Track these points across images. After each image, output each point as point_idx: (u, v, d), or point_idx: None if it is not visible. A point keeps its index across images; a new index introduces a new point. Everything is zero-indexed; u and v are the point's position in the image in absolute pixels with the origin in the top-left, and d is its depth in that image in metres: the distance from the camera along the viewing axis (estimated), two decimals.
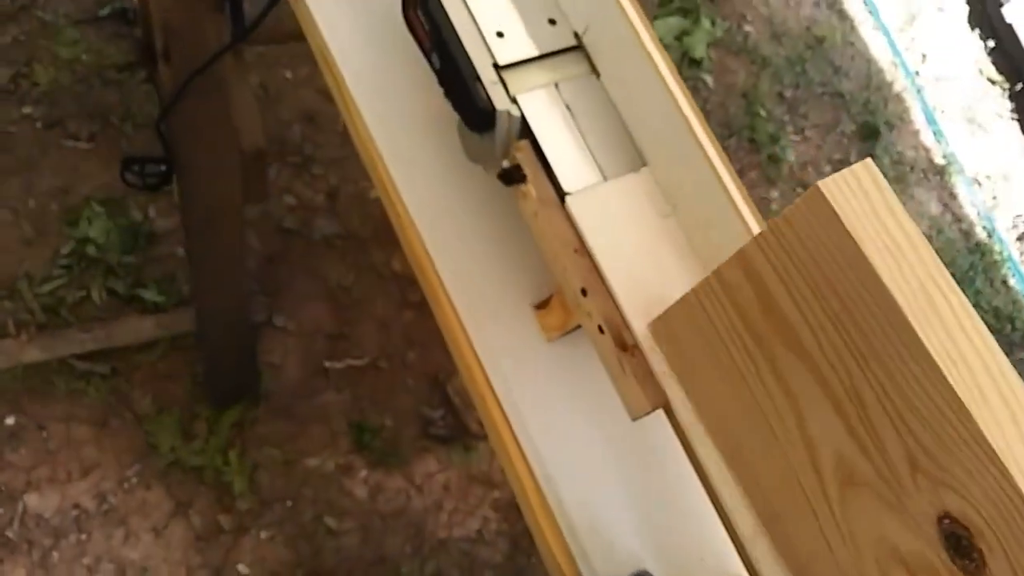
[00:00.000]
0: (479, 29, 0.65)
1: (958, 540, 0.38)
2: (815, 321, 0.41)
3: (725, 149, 2.08)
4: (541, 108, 0.65)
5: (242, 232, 1.25)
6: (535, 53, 0.66)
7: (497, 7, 0.66)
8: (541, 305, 0.74)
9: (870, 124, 2.30)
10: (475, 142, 0.68)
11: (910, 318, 0.37)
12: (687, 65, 2.16)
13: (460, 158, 0.73)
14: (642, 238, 0.63)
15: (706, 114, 2.14)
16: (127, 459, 1.39)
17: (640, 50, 0.64)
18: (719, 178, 0.61)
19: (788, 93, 2.27)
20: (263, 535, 1.43)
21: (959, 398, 0.36)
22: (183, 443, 1.42)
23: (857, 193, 0.39)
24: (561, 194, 0.63)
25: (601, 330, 0.60)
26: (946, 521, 0.38)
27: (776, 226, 0.42)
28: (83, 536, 1.33)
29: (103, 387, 1.41)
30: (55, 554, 1.31)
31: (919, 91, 2.39)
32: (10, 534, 1.30)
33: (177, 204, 1.26)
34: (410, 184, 0.76)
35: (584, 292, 0.61)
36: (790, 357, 0.43)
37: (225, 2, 1.01)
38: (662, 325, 0.57)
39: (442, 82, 0.68)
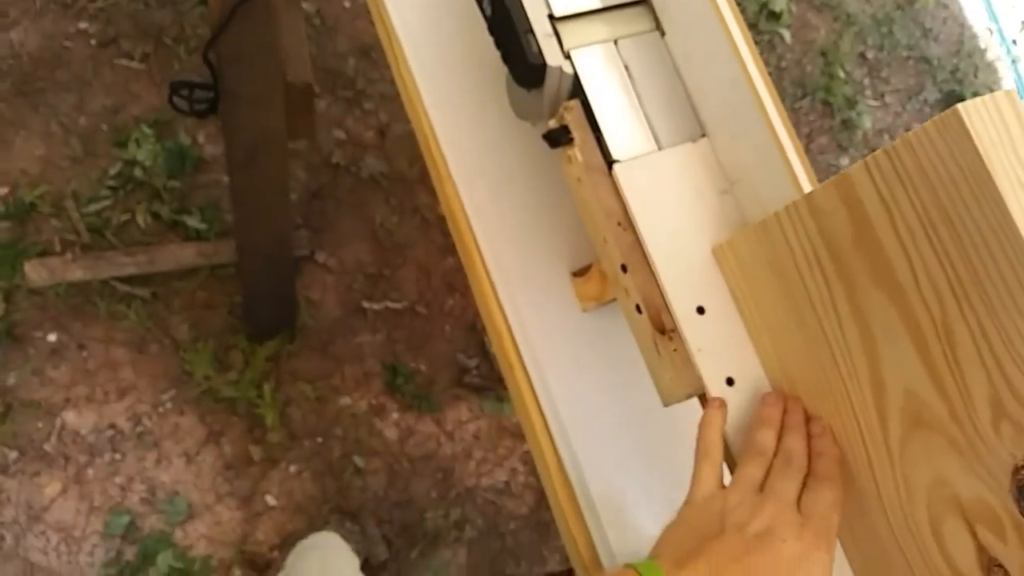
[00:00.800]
0: None
1: None
2: (916, 253, 0.39)
3: (797, 110, 1.98)
4: (596, 66, 0.60)
5: (285, 167, 1.22)
6: (596, 5, 0.61)
7: None
8: (579, 273, 0.71)
9: (956, 93, 2.16)
10: (523, 97, 0.64)
11: None
12: (765, 18, 2.05)
13: (507, 112, 0.69)
14: (694, 215, 0.58)
15: (780, 72, 2.03)
16: (163, 384, 1.40)
17: (711, 6, 0.58)
18: (785, 157, 0.55)
19: (871, 54, 2.14)
20: (292, 469, 1.44)
21: None
22: (218, 373, 1.42)
23: (996, 121, 0.36)
24: (609, 161, 0.58)
25: (639, 309, 0.56)
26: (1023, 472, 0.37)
27: (895, 150, 0.39)
28: (117, 456, 1.36)
29: (143, 311, 1.42)
30: (89, 471, 1.34)
31: (1014, 62, 2.24)
32: (47, 448, 1.33)
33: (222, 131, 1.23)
34: (452, 136, 0.72)
35: (624, 268, 0.57)
36: (875, 291, 0.42)
37: None
38: (730, 248, 0.54)
39: (492, 31, 0.63)
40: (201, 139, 1.56)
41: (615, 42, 0.61)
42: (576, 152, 0.59)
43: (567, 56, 0.59)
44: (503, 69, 0.64)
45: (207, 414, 1.41)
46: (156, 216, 1.47)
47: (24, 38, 1.55)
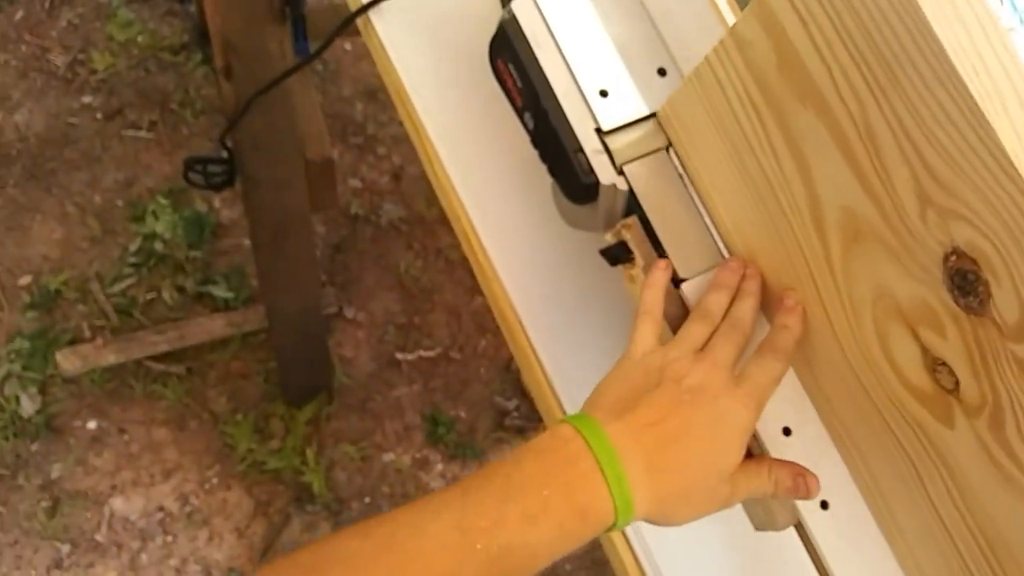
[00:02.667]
0: (580, 89, 0.57)
1: (964, 276, 0.37)
2: (834, 62, 0.39)
3: None
4: (651, 179, 0.57)
5: (311, 241, 1.20)
6: (644, 112, 0.58)
7: (600, 60, 0.58)
8: None
9: None
10: (573, 209, 0.61)
11: (935, 28, 0.34)
12: None
13: (552, 209, 0.66)
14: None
15: None
16: (207, 460, 1.40)
17: None
18: None
19: None
20: None
21: (977, 106, 0.33)
22: (260, 443, 1.41)
23: None
24: (677, 279, 0.56)
25: None
26: (953, 258, 0.37)
27: None
28: (169, 538, 1.35)
29: (179, 388, 1.41)
30: (143, 556, 1.33)
31: None
32: (99, 537, 1.33)
33: (244, 212, 1.22)
34: (496, 237, 0.70)
35: None
36: (803, 110, 0.43)
37: (286, 13, 0.94)
38: (671, 109, 0.55)
39: (536, 143, 0.61)
40: (217, 204, 1.55)
41: (667, 148, 0.58)
42: (639, 272, 0.57)
43: (620, 171, 0.57)
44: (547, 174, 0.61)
45: (253, 486, 1.40)
46: (181, 290, 1.46)
47: (29, 119, 1.53)
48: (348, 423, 1.48)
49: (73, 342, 1.38)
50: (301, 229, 1.15)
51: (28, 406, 1.31)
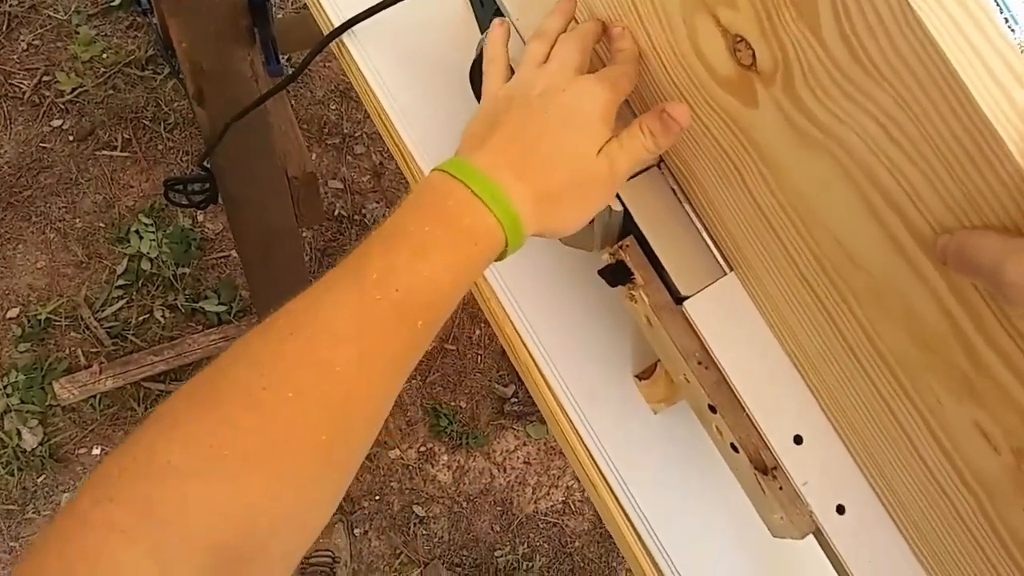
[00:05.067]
0: None
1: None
2: None
3: None
4: (646, 197, 0.58)
5: (300, 255, 1.20)
6: None
7: None
8: (644, 375, 0.69)
9: None
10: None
11: None
12: None
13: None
14: (773, 338, 0.56)
15: None
16: None
17: None
18: None
19: None
20: (356, 532, 1.45)
21: None
22: None
23: None
24: (678, 297, 0.57)
25: (735, 448, 0.55)
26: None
27: None
28: None
29: None
30: None
31: None
32: None
33: (230, 230, 1.21)
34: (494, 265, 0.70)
35: (713, 409, 0.56)
36: None
37: (255, 35, 0.92)
38: None
39: None
40: (201, 218, 1.53)
41: (660, 164, 0.59)
42: (640, 293, 0.57)
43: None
44: None
45: None
46: (173, 308, 1.45)
47: (0, 148, 1.51)
48: None
49: (69, 371, 1.38)
50: (290, 243, 1.15)
51: (30, 439, 1.31)
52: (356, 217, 1.61)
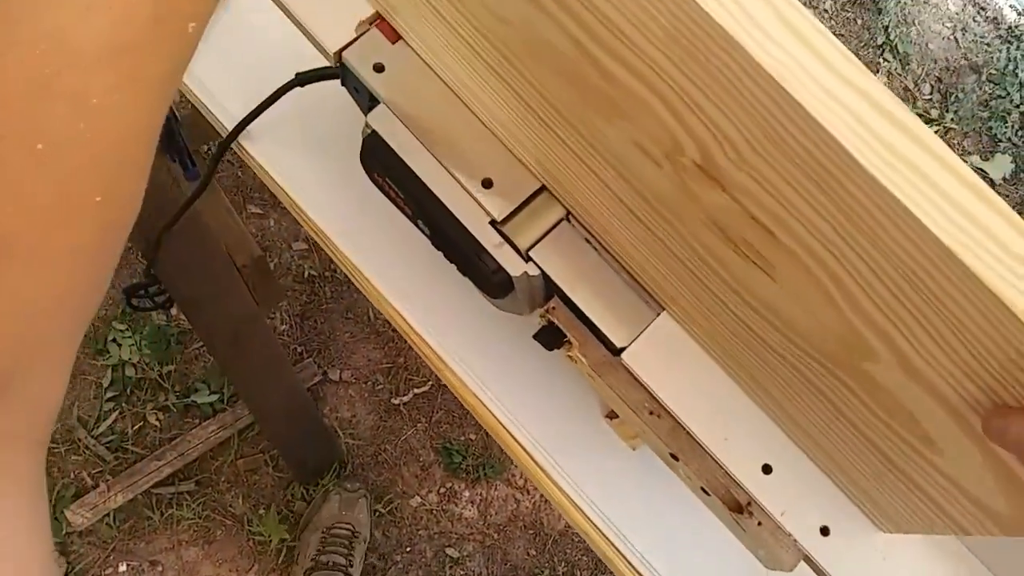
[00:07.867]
0: (462, 185, 0.56)
1: None
2: None
3: None
4: (560, 256, 0.56)
5: (270, 335, 1.19)
6: (535, 187, 0.56)
7: (474, 150, 0.56)
8: (612, 415, 0.68)
9: None
10: (497, 302, 0.60)
11: None
12: None
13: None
14: (719, 371, 0.55)
15: None
16: (244, 563, 1.40)
17: None
18: None
19: None
20: None
21: None
22: (290, 531, 1.41)
23: None
24: (615, 349, 0.55)
25: (705, 492, 0.54)
26: None
27: None
28: None
29: (195, 504, 1.41)
30: None
31: None
32: None
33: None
34: (438, 331, 0.69)
35: (675, 457, 0.54)
36: None
37: (172, 151, 0.91)
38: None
39: (437, 247, 0.59)
40: (174, 311, 1.52)
41: (568, 216, 0.57)
42: (576, 352, 0.55)
43: (527, 258, 0.56)
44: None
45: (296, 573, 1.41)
46: (166, 409, 1.44)
47: None
48: (367, 482, 1.48)
49: (78, 495, 1.37)
50: (256, 329, 1.13)
51: (57, 573, 1.31)
52: (327, 274, 1.60)
